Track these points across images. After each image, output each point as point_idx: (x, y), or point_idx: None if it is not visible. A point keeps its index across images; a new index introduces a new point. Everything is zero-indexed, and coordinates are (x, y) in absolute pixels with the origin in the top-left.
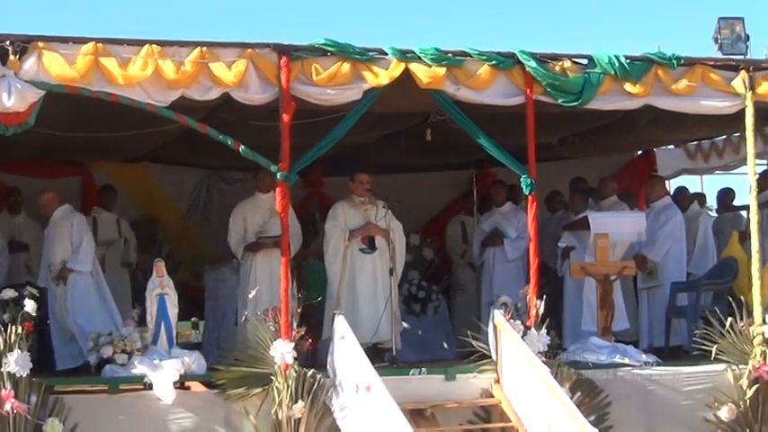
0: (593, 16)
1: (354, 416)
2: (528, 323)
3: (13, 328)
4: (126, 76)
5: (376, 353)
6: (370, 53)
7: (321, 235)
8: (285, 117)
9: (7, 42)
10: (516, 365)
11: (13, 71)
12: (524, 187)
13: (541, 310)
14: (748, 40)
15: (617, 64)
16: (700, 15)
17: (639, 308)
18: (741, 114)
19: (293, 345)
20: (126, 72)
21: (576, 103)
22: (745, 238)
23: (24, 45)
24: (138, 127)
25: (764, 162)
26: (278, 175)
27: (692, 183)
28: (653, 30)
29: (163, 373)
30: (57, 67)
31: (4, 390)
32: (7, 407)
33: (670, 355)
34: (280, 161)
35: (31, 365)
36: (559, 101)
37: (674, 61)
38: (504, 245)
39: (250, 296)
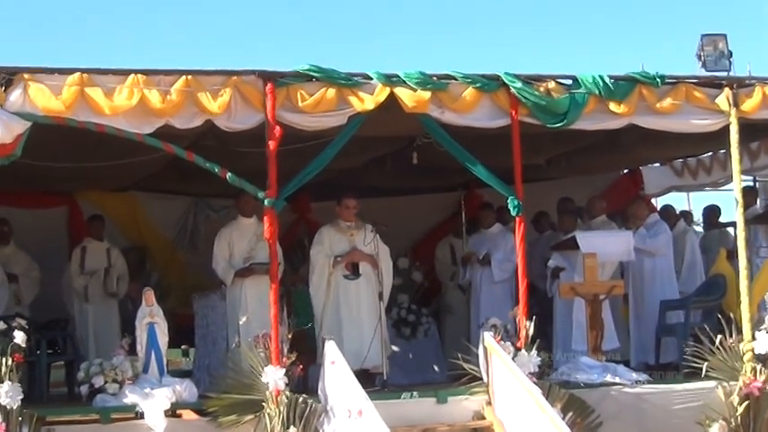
0: (577, 36)
1: None
2: (518, 344)
3: (3, 359)
4: (112, 106)
5: (366, 377)
6: (355, 78)
7: (309, 261)
8: (271, 144)
9: None
10: (507, 387)
11: None
12: (511, 208)
13: (531, 331)
14: (731, 56)
15: (601, 84)
16: (682, 32)
17: (629, 324)
18: (726, 131)
19: (284, 371)
20: (112, 102)
21: (561, 124)
22: (732, 255)
23: (10, 77)
24: (124, 156)
25: (751, 178)
26: (265, 202)
27: (679, 200)
28: (636, 47)
29: (154, 402)
30: (42, 98)
31: None
32: None
33: (661, 372)
34: (267, 188)
35: (22, 396)
36: (545, 122)
37: (658, 80)
38: (491, 266)
39: (240, 323)
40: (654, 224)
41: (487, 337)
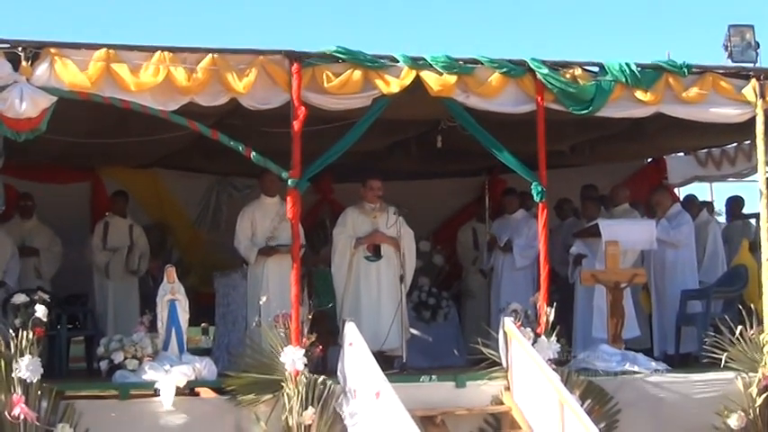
0: (603, 25)
1: (364, 422)
2: (538, 330)
3: (24, 333)
4: (137, 82)
5: (385, 360)
6: (382, 60)
7: (331, 241)
8: (296, 124)
9: (19, 48)
10: (526, 373)
11: (25, 77)
12: (535, 195)
13: (551, 318)
14: (758, 47)
15: (628, 71)
16: (710, 23)
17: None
18: (752, 122)
19: (304, 351)
20: (137, 78)
21: (586, 111)
22: (755, 246)
23: (36, 51)
24: (149, 133)
25: None
26: (289, 182)
27: (701, 190)
28: (662, 36)
29: (172, 378)
30: (68, 73)
31: (15, 394)
32: (16, 411)
33: (680, 362)
34: (290, 168)
35: (41, 371)
36: (570, 108)
37: (685, 69)
38: (513, 252)
39: (261, 302)
40: (677, 215)
41: (508, 323)
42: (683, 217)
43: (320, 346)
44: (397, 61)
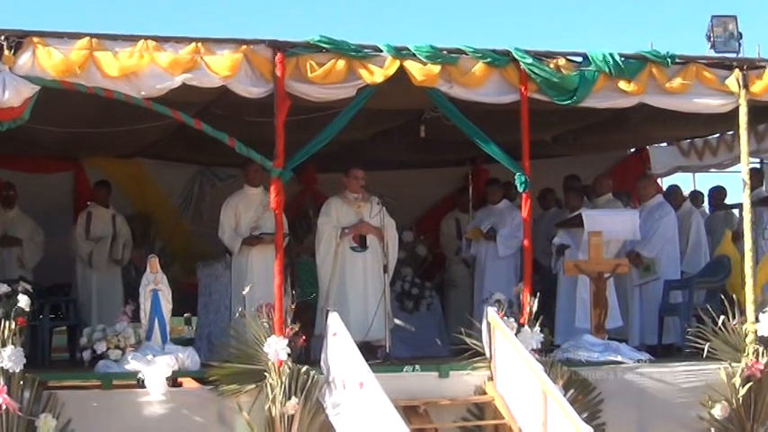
0: (584, 14)
1: (348, 412)
2: (521, 320)
3: (7, 323)
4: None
5: (369, 350)
6: (366, 50)
7: (314, 231)
8: (280, 114)
9: (2, 37)
10: (510, 363)
11: (7, 66)
12: (518, 185)
13: (535, 308)
14: (741, 38)
15: (611, 62)
16: (692, 13)
17: (631, 305)
18: (734, 113)
19: (287, 341)
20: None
21: (570, 101)
22: (738, 236)
23: (19, 40)
24: (132, 122)
25: (758, 160)
26: (273, 172)
27: (685, 180)
28: (645, 27)
29: (155, 368)
30: (51, 62)
31: None
32: None
33: (663, 353)
34: (274, 158)
35: (24, 361)
36: (554, 99)
37: (669, 59)
38: (496, 242)
39: (244, 292)
40: (658, 206)
41: (491, 313)
42: (664, 208)
43: (303, 337)
44: (381, 51)
